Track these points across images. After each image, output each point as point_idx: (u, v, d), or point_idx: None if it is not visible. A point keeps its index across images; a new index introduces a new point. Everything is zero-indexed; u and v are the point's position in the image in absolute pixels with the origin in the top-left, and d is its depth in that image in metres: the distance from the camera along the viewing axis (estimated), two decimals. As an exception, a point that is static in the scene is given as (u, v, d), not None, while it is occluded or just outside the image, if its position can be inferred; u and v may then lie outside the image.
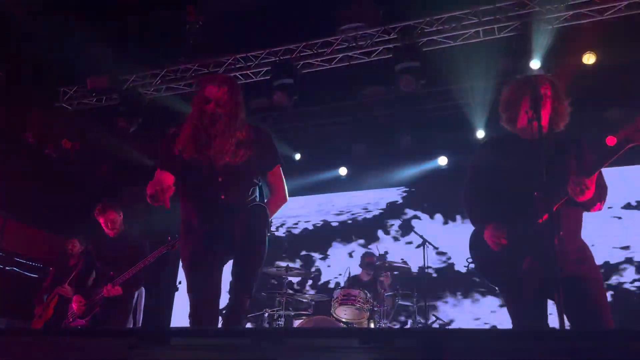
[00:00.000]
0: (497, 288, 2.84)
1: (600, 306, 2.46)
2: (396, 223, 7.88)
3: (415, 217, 7.80)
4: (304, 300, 6.00)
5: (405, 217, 7.84)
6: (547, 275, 2.31)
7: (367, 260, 6.38)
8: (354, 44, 6.27)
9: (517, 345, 1.12)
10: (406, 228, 7.71)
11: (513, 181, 2.61)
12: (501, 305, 6.80)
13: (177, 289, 4.87)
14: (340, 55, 6.37)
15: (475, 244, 2.76)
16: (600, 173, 2.54)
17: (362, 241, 7.95)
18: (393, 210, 8.02)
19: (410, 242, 7.62)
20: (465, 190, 2.90)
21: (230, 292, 2.84)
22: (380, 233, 7.94)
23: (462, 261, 7.21)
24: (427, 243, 6.14)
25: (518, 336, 1.20)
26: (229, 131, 2.83)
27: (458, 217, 7.50)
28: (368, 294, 5.30)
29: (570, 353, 1.21)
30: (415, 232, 6.77)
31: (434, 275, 7.13)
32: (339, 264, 7.80)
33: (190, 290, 2.90)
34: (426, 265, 6.02)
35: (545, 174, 2.33)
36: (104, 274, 4.61)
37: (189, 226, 2.95)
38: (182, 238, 2.99)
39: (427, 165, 7.77)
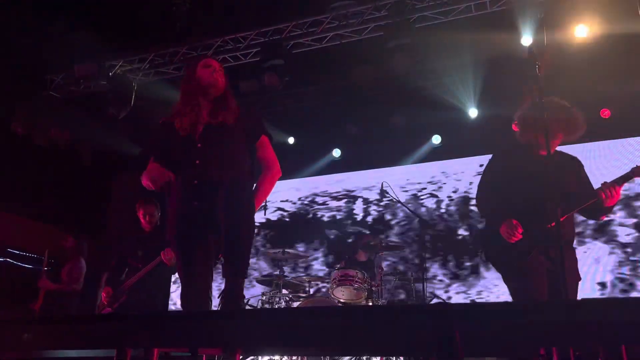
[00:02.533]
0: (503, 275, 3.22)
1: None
2: (389, 203, 7.86)
3: (410, 195, 7.78)
4: (302, 282, 6.00)
5: (399, 196, 7.82)
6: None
7: (362, 241, 6.38)
8: (344, 22, 6.18)
9: (528, 317, 1.11)
10: (400, 206, 7.69)
11: (526, 188, 3.01)
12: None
13: (174, 272, 4.87)
14: (331, 34, 6.28)
15: (487, 239, 3.20)
16: None
17: (357, 221, 7.94)
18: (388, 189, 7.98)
19: (404, 223, 7.62)
20: (481, 190, 3.31)
21: (224, 275, 2.81)
22: (373, 212, 7.93)
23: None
24: (422, 221, 6.12)
25: (531, 308, 1.18)
26: (226, 95, 2.90)
27: (453, 195, 7.49)
28: (365, 274, 5.30)
29: (572, 322, 1.19)
30: (410, 210, 6.76)
31: (428, 255, 7.14)
32: (334, 246, 7.81)
33: (179, 271, 2.87)
34: (423, 243, 6.02)
35: (554, 186, 2.78)
36: (136, 269, 4.71)
37: (172, 204, 2.87)
38: (168, 219, 2.92)
39: (421, 144, 7.75)
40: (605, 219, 3.31)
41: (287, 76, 6.33)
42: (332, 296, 5.26)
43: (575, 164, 3.21)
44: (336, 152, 8.19)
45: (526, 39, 5.65)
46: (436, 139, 7.66)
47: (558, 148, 3.28)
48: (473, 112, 7.17)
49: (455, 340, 1.14)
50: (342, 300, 5.25)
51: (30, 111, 7.30)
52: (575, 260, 3.12)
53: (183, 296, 2.81)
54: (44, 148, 7.50)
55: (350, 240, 7.50)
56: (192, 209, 2.78)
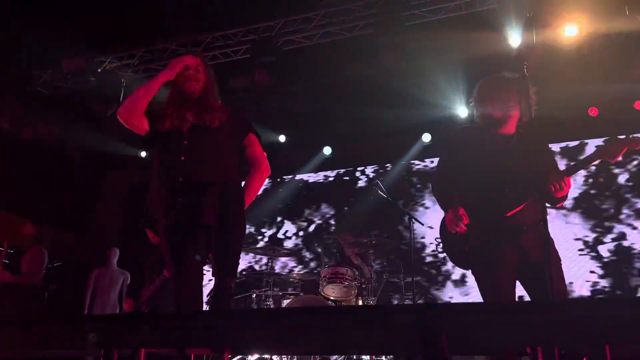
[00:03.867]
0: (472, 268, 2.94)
1: (560, 288, 2.64)
2: (382, 200, 7.86)
3: (402, 194, 7.80)
4: (292, 279, 5.99)
5: (390, 194, 7.84)
6: (517, 262, 2.66)
7: (346, 238, 6.39)
8: (335, 20, 6.17)
9: (515, 317, 1.11)
10: (391, 205, 7.70)
11: (483, 173, 2.79)
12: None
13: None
14: (321, 31, 6.27)
15: (445, 229, 2.91)
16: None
17: (344, 213, 7.95)
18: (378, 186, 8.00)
19: (395, 218, 7.64)
20: (434, 177, 3.08)
21: (213, 275, 2.79)
22: (365, 210, 7.94)
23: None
24: (413, 219, 6.14)
25: (517, 308, 1.19)
26: (207, 96, 2.89)
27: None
28: (356, 272, 5.31)
29: (556, 322, 1.20)
30: (401, 208, 6.77)
31: (421, 250, 7.17)
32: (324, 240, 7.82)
33: (168, 268, 2.83)
34: (412, 239, 6.03)
35: (515, 170, 2.64)
36: (150, 279, 4.85)
37: (161, 204, 2.82)
38: (152, 206, 2.89)
39: (411, 142, 7.77)
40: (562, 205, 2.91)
41: (278, 73, 6.32)
42: (322, 294, 5.26)
43: (540, 145, 2.88)
44: (327, 150, 8.19)
45: (515, 38, 5.67)
46: (426, 137, 7.68)
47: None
48: (463, 111, 7.20)
49: (440, 339, 1.14)
50: (332, 298, 5.26)
51: (16, 107, 7.22)
52: (547, 243, 2.76)
53: (173, 293, 2.79)
54: (32, 144, 7.43)
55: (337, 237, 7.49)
56: (177, 205, 2.75)
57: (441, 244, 2.99)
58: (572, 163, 2.81)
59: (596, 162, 2.77)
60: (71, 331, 1.78)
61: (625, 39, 5.58)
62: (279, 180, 8.56)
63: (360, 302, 5.30)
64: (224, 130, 2.87)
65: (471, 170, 2.83)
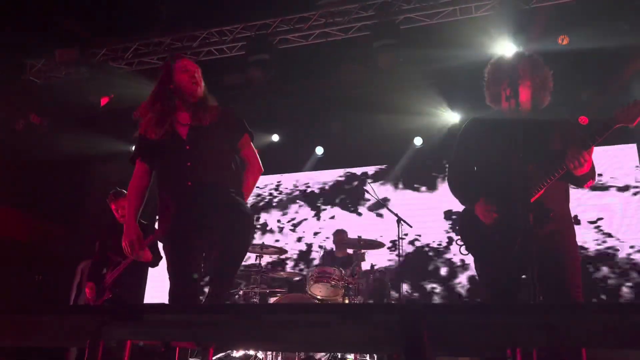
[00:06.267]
0: (478, 266, 2.79)
1: (574, 285, 2.47)
2: (371, 201, 7.91)
3: (391, 195, 7.84)
4: (279, 277, 6.01)
5: (380, 195, 7.88)
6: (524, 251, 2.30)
7: (338, 238, 6.42)
8: (331, 20, 6.19)
9: (496, 318, 1.14)
10: (381, 206, 7.75)
11: (501, 159, 2.59)
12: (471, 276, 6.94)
13: (156, 264, 4.87)
14: (318, 31, 6.29)
15: (466, 224, 2.76)
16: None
17: (336, 214, 7.97)
18: (368, 188, 8.04)
19: (382, 218, 7.67)
20: (451, 172, 2.91)
21: (210, 284, 2.81)
22: (354, 210, 7.98)
23: (434, 238, 7.31)
24: (401, 221, 6.18)
25: (498, 309, 1.22)
26: (203, 101, 2.90)
27: (434, 193, 7.57)
28: (343, 271, 5.33)
29: (541, 325, 1.23)
30: (389, 210, 6.80)
31: (409, 252, 7.21)
32: (313, 239, 7.85)
33: (169, 272, 2.84)
34: (400, 242, 6.07)
35: (531, 150, 2.37)
36: (115, 263, 4.66)
37: (164, 206, 2.86)
38: (160, 219, 2.91)
39: (404, 144, 7.81)
40: (592, 184, 2.63)
41: (272, 71, 6.32)
42: (310, 293, 5.28)
43: (560, 122, 2.69)
44: (319, 150, 8.21)
45: (509, 45, 5.72)
46: (418, 141, 7.73)
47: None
48: (455, 116, 7.26)
49: (422, 339, 1.17)
50: (319, 297, 5.28)
51: (8, 96, 7.17)
52: (570, 238, 2.59)
53: (171, 293, 2.80)
54: (22, 133, 7.38)
55: (329, 237, 7.52)
56: (185, 210, 2.78)
57: (463, 246, 2.75)
58: (590, 134, 2.51)
59: (615, 128, 2.51)
60: (57, 321, 1.79)
61: (613, 49, 5.64)
62: (270, 177, 8.57)
63: (346, 302, 5.33)
64: (220, 129, 2.90)
65: (488, 156, 2.67)
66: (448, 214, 7.30)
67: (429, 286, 7.18)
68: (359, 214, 7.94)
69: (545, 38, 5.85)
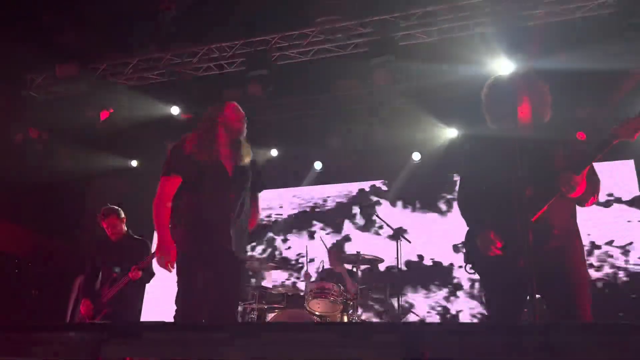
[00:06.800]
0: (482, 284, 2.87)
1: (582, 305, 2.43)
2: (369, 216, 7.91)
3: (388, 210, 7.83)
4: (277, 293, 5.97)
5: (378, 210, 7.88)
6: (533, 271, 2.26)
7: (334, 255, 6.41)
8: (330, 37, 6.24)
9: (496, 339, 1.13)
10: (379, 222, 7.74)
11: (503, 180, 2.53)
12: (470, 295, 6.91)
13: (148, 281, 4.88)
14: (316, 47, 6.34)
15: (471, 243, 2.73)
16: (592, 167, 2.57)
17: (331, 231, 7.96)
18: (366, 203, 8.05)
19: (380, 234, 7.67)
20: (459, 195, 2.93)
21: (212, 299, 3.03)
22: (351, 225, 7.97)
23: (431, 254, 7.30)
24: (400, 237, 6.17)
25: (498, 330, 1.21)
26: (243, 142, 3.29)
27: (432, 211, 7.57)
28: (342, 287, 5.31)
29: (547, 346, 1.22)
30: (388, 225, 6.79)
31: (405, 268, 7.18)
32: (311, 254, 7.82)
33: (179, 286, 3.06)
34: (399, 258, 6.05)
35: (534, 170, 2.37)
36: (108, 278, 4.67)
37: (190, 224, 3.09)
38: (180, 235, 3.10)
39: (401, 160, 7.82)
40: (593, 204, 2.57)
41: (271, 87, 6.36)
42: (308, 308, 5.25)
43: (563, 140, 2.65)
44: (317, 165, 8.22)
45: (506, 62, 5.77)
46: (416, 156, 7.75)
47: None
48: (452, 132, 7.29)
49: (423, 359, 1.16)
50: (317, 313, 5.24)
51: (8, 110, 7.19)
52: (576, 256, 2.55)
53: (178, 315, 2.99)
54: (21, 147, 7.39)
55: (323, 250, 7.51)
56: (218, 237, 3.05)
57: (471, 268, 2.72)
58: (582, 157, 2.47)
59: (613, 144, 2.46)
60: (55, 339, 1.78)
61: (612, 67, 5.69)
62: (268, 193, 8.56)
63: (345, 318, 5.30)
64: (247, 175, 3.30)
65: (492, 179, 2.63)
66: (450, 233, 7.29)
67: (429, 303, 7.16)
68: (358, 229, 7.93)
69: (543, 55, 5.90)
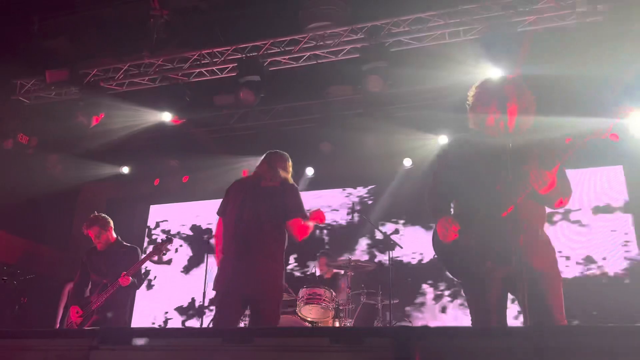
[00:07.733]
0: (459, 282, 2.89)
1: (556, 305, 2.53)
2: (360, 222, 7.91)
3: (381, 216, 7.84)
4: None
5: (370, 216, 7.89)
6: (510, 270, 2.38)
7: (322, 262, 6.43)
8: (321, 43, 6.26)
9: (488, 342, 1.14)
10: (370, 227, 7.75)
11: (477, 178, 2.67)
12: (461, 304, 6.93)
13: (138, 287, 4.88)
14: (308, 53, 6.35)
15: (440, 247, 2.81)
16: (563, 170, 2.64)
17: (324, 240, 7.96)
18: (357, 208, 8.06)
19: (374, 240, 7.67)
20: (428, 190, 2.98)
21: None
22: (344, 231, 7.97)
23: (423, 258, 7.31)
24: (391, 242, 6.19)
25: (489, 333, 1.22)
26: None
27: (422, 217, 7.59)
28: (333, 293, 5.30)
29: (537, 349, 1.23)
30: (379, 230, 6.81)
31: (395, 273, 7.19)
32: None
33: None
34: (390, 263, 6.07)
35: (509, 170, 2.45)
36: (98, 284, 4.68)
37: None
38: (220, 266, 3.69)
39: (393, 166, 7.85)
40: (563, 207, 2.69)
41: (263, 93, 6.35)
42: (300, 314, 5.24)
43: (540, 145, 2.70)
44: (309, 171, 8.22)
45: (495, 69, 5.80)
46: (407, 162, 7.77)
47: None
48: (443, 138, 7.33)
49: (415, 363, 1.16)
50: (309, 319, 5.24)
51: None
52: (548, 254, 2.63)
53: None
54: (11, 153, 7.33)
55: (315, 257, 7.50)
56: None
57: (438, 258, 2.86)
58: (558, 152, 2.56)
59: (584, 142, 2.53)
60: (45, 346, 1.76)
61: (602, 74, 5.75)
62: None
63: (337, 324, 5.29)
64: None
65: (466, 177, 2.72)
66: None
67: (419, 309, 7.16)
68: (348, 234, 7.93)
69: (531, 62, 5.95)
